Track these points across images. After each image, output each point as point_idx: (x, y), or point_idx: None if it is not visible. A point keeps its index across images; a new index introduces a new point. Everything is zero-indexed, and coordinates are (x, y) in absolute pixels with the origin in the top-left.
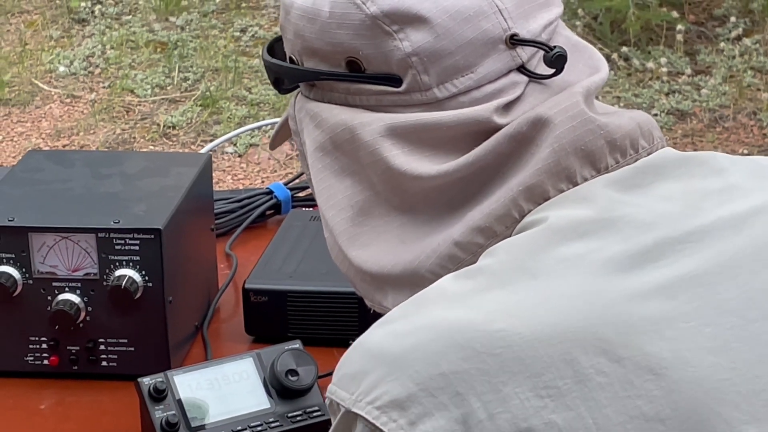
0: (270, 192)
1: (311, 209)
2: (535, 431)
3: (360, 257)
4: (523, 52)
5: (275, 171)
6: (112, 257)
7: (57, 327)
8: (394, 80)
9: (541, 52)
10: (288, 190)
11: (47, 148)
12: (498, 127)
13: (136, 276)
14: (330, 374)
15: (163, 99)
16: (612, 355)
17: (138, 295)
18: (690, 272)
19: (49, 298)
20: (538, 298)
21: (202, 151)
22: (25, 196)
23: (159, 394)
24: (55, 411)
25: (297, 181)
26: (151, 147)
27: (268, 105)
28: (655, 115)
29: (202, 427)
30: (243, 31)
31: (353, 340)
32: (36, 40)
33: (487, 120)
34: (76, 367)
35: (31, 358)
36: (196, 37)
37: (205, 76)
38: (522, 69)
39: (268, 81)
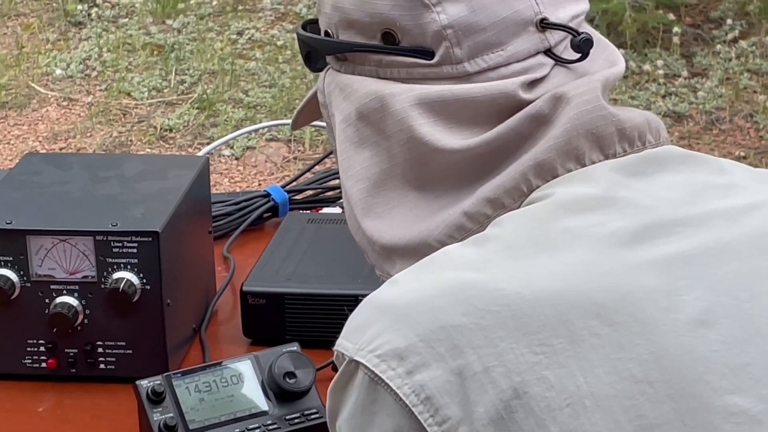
0: (267, 195)
1: (308, 212)
2: (528, 385)
3: (373, 228)
4: (552, 37)
5: (272, 174)
6: (110, 260)
7: (55, 330)
8: (427, 53)
9: (567, 41)
10: (285, 193)
11: (44, 151)
12: (522, 102)
13: (134, 279)
14: (329, 375)
15: (159, 102)
16: (606, 319)
17: (136, 297)
18: (687, 252)
19: (47, 300)
20: (541, 264)
21: (200, 154)
22: (23, 198)
23: (157, 397)
24: (53, 414)
25: (294, 183)
26: (148, 150)
27: (264, 108)
28: None
29: (200, 429)
30: (240, 33)
31: None
32: (33, 43)
33: (513, 93)
34: (74, 370)
35: (29, 361)
36: (192, 39)
37: (201, 79)
38: (549, 52)
39: (267, 83)
